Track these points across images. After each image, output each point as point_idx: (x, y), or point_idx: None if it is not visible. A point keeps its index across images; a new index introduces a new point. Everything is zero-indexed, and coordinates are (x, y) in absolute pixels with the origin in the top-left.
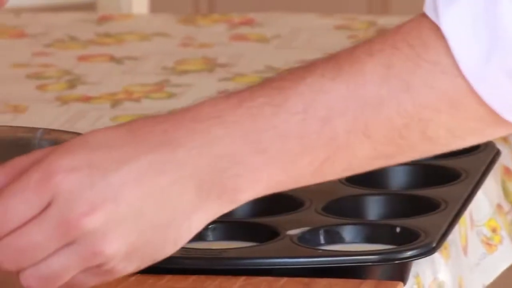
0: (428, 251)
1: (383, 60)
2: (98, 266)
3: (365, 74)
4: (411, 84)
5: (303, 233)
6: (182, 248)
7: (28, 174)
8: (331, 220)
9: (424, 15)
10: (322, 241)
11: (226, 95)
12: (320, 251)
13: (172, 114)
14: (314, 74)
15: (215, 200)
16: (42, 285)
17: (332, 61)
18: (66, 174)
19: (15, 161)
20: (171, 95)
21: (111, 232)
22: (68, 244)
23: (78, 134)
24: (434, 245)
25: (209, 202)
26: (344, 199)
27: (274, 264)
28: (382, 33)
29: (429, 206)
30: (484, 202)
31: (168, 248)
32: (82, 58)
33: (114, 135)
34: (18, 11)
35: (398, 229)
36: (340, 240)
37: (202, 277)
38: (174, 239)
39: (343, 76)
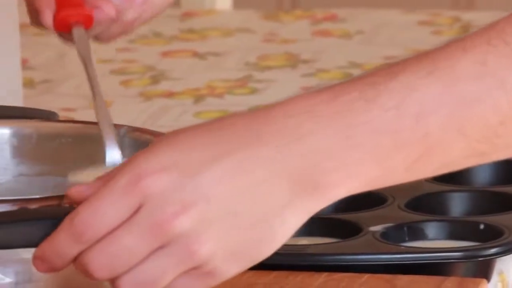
0: None
1: (478, 57)
2: (197, 268)
3: (459, 71)
4: (506, 81)
5: (386, 229)
6: None
7: (116, 179)
8: (414, 216)
9: None
10: (405, 237)
11: (318, 90)
12: (403, 247)
13: (259, 110)
14: (407, 70)
15: (308, 196)
16: None
17: (425, 58)
18: (155, 176)
19: (103, 175)
20: (254, 91)
21: (204, 232)
22: (162, 247)
23: (161, 133)
24: None
25: (301, 198)
26: (427, 196)
27: (356, 260)
28: (476, 30)
29: None
30: None
31: (265, 247)
32: (165, 54)
33: (200, 134)
34: None
35: (481, 226)
36: (422, 236)
37: (284, 272)
38: (270, 238)
39: (437, 73)
